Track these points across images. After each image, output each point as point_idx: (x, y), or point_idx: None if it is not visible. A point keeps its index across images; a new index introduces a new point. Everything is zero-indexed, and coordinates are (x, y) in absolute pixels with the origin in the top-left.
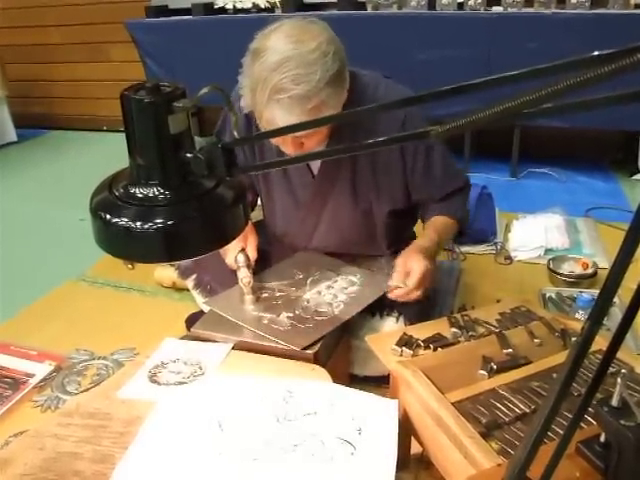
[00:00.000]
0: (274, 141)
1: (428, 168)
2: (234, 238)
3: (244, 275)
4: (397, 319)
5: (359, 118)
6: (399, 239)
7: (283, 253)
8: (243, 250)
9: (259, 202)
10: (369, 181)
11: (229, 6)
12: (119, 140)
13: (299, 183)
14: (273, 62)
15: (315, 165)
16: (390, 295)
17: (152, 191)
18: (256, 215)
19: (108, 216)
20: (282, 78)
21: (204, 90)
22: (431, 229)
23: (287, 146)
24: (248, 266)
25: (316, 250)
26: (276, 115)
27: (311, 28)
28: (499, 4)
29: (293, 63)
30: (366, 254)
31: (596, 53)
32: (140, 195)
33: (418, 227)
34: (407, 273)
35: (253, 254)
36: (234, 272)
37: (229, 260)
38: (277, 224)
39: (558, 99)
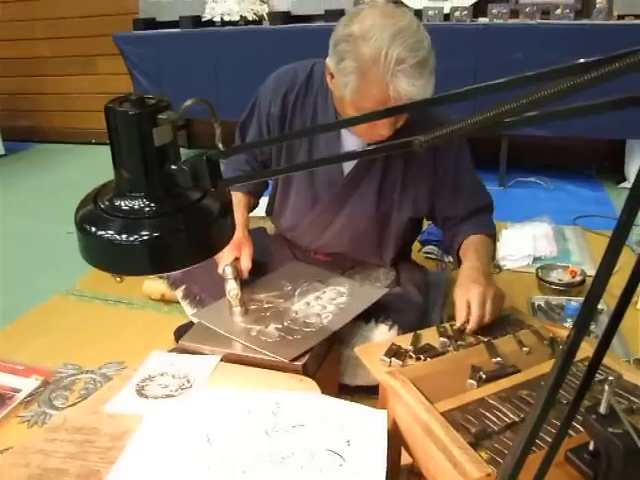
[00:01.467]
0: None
1: (455, 181)
2: (220, 250)
3: (232, 287)
4: (390, 327)
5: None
6: (402, 250)
7: (278, 263)
8: (236, 260)
9: (259, 203)
10: (396, 184)
11: (217, 19)
12: (107, 153)
13: (325, 181)
14: (386, 37)
15: (347, 165)
16: (467, 332)
17: (137, 203)
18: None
19: (93, 229)
20: (402, 49)
21: (188, 102)
22: (471, 251)
23: (366, 130)
24: (236, 278)
25: (320, 250)
26: (400, 85)
27: (393, 7)
28: (485, 15)
29: (405, 34)
30: (367, 261)
31: (581, 61)
32: (125, 207)
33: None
34: (468, 305)
35: (247, 264)
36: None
37: (220, 270)
38: (286, 219)
39: (542, 107)
